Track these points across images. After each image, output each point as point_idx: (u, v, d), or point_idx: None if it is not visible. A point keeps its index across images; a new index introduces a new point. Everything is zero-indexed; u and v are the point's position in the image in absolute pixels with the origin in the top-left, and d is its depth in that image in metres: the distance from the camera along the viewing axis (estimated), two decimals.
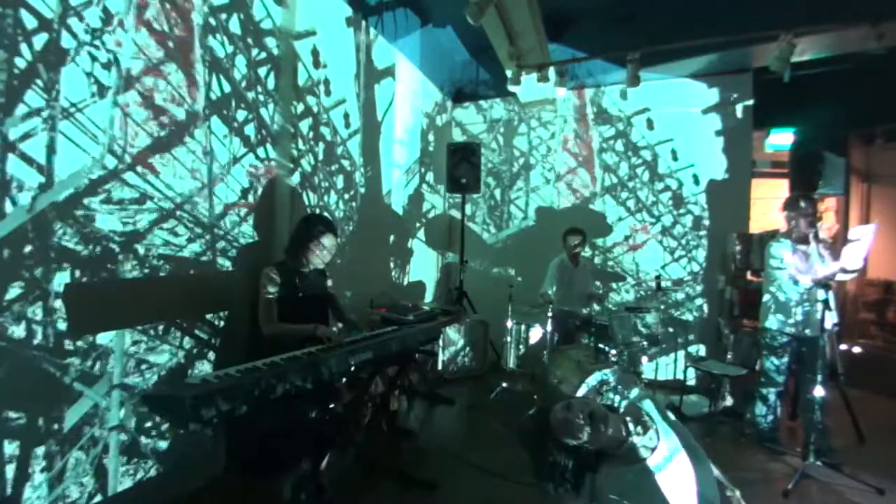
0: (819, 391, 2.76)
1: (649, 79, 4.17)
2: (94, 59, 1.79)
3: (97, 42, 1.80)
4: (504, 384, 3.97)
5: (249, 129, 2.56)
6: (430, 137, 5.02)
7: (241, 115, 2.50)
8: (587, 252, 4.63)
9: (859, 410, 3.27)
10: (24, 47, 1.59)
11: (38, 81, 1.63)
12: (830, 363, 3.08)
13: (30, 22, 1.61)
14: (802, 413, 3.19)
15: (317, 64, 3.10)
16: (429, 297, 5.04)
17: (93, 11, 1.78)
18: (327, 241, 2.40)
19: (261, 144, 2.63)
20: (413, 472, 2.58)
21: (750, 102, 4.37)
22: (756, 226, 4.43)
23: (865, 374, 4.14)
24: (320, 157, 3.19)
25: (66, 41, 1.71)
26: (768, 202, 4.95)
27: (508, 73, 4.14)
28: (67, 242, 1.75)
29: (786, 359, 3.01)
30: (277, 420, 2.04)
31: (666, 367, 4.50)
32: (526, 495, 2.46)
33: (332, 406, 2.17)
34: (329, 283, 2.62)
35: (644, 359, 3.44)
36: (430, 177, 5.04)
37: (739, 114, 4.42)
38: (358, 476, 2.53)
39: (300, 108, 2.97)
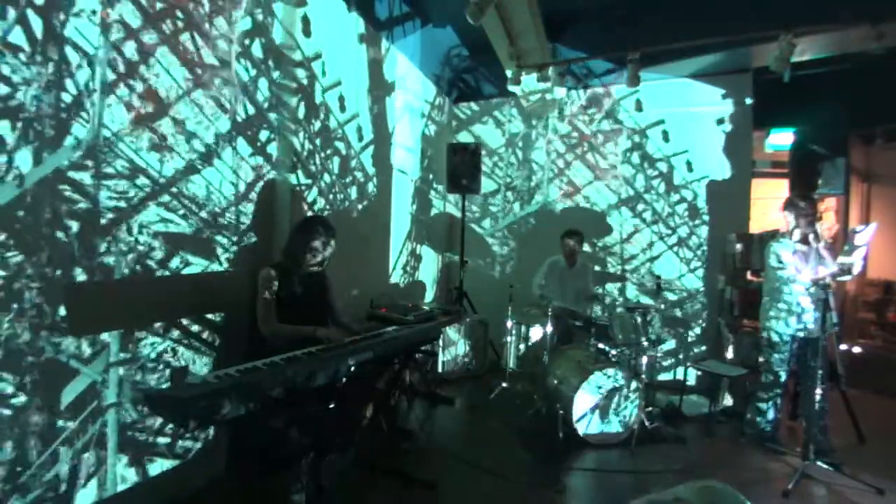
0: (819, 391, 2.76)
1: (650, 79, 4.16)
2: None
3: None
4: (504, 384, 3.97)
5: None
6: (432, 137, 5.02)
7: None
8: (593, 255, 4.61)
9: (859, 410, 3.27)
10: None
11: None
12: (830, 363, 3.09)
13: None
14: (802, 413, 3.19)
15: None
16: (429, 297, 5.04)
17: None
18: (325, 242, 2.38)
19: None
20: (413, 472, 2.57)
21: (749, 101, 4.37)
22: (756, 226, 4.43)
23: (865, 374, 4.14)
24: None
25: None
26: (768, 202, 4.95)
27: (508, 73, 4.15)
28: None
29: (786, 359, 3.01)
30: (277, 420, 2.04)
31: (666, 367, 4.51)
32: (526, 495, 2.46)
33: (332, 406, 2.17)
34: (328, 284, 2.58)
35: (644, 359, 3.44)
36: (431, 178, 5.04)
37: (739, 114, 4.42)
38: (358, 476, 2.52)
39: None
